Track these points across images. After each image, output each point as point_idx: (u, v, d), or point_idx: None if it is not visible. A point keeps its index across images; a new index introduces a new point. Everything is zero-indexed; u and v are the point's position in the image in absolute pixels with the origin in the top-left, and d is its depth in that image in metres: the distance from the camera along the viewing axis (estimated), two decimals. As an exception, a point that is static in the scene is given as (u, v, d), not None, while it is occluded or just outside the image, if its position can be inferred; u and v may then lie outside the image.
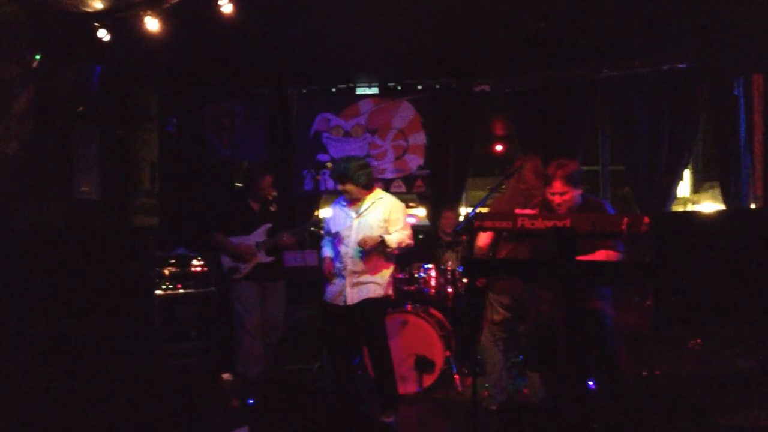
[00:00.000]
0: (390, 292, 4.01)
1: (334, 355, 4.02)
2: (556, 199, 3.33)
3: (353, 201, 3.97)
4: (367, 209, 3.94)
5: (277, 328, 4.44)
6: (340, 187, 3.93)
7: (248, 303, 4.30)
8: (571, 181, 3.30)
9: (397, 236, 3.87)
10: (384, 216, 3.90)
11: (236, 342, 4.36)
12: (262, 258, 4.35)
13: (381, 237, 3.83)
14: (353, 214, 3.95)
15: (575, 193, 3.32)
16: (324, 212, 4.23)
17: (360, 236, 3.86)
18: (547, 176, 3.38)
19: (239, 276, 4.32)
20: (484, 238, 3.96)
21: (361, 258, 3.85)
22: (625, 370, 4.03)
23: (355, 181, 3.87)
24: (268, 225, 4.39)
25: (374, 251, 3.86)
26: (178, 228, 5.85)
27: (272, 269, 4.39)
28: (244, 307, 4.30)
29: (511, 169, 4.13)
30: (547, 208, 3.39)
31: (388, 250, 3.85)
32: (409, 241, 3.92)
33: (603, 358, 3.33)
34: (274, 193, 4.48)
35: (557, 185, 3.31)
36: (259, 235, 4.37)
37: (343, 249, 3.93)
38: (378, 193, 4.03)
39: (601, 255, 3.20)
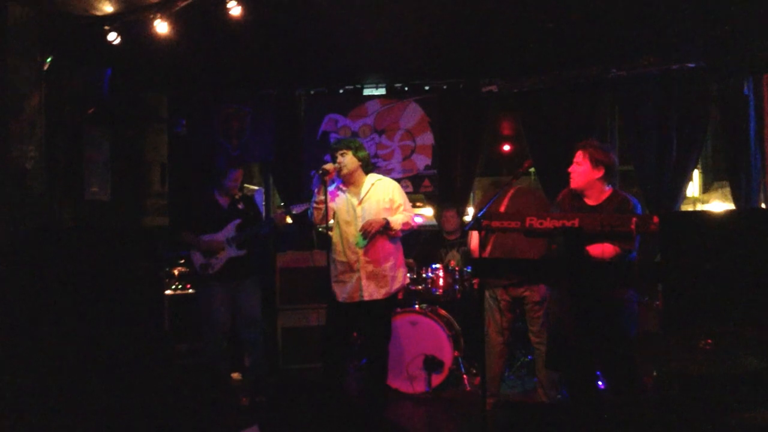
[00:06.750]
0: (405, 280, 3.97)
1: (331, 359, 3.89)
2: (570, 167, 3.39)
3: (348, 182, 3.91)
4: (367, 192, 3.87)
5: (252, 324, 4.44)
6: (338, 158, 3.84)
7: (215, 303, 4.32)
8: (591, 157, 3.33)
9: (401, 217, 3.83)
10: (389, 196, 3.85)
11: (201, 336, 4.44)
12: (234, 252, 4.35)
13: (385, 219, 3.78)
14: (354, 201, 3.88)
15: (590, 172, 3.34)
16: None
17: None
18: None
19: (212, 271, 4.33)
20: (474, 241, 3.96)
21: (366, 245, 3.80)
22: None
23: (355, 153, 3.84)
24: (238, 221, 4.40)
25: (378, 235, 3.80)
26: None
27: (243, 265, 4.38)
28: (210, 307, 4.32)
29: (520, 169, 4.12)
30: (574, 197, 3.42)
31: (392, 232, 3.81)
32: (413, 223, 3.88)
33: (620, 359, 3.32)
34: (240, 194, 4.48)
35: (578, 154, 3.39)
36: (229, 231, 4.37)
37: (353, 240, 3.85)
38: (376, 176, 3.97)
39: (605, 247, 3.21)
